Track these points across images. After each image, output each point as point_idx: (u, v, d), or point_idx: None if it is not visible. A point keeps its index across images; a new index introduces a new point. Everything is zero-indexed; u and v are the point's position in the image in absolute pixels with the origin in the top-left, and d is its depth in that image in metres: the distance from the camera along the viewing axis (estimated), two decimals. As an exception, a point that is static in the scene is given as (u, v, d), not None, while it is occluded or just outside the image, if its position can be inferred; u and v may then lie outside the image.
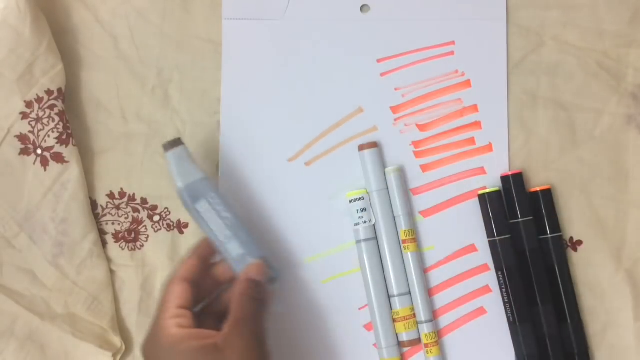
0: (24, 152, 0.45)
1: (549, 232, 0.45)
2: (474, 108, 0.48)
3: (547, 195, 0.46)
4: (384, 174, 0.46)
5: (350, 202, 0.46)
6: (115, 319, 0.46)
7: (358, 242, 0.46)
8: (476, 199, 0.47)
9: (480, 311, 0.46)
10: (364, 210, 0.46)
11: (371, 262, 0.45)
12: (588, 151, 0.47)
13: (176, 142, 0.43)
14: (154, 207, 0.47)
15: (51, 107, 0.45)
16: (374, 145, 0.46)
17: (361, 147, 0.46)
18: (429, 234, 0.47)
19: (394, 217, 0.46)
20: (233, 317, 0.39)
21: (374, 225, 0.46)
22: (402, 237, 0.45)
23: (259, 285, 0.40)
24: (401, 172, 0.47)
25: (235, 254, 0.42)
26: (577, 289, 0.46)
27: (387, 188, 0.46)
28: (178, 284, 0.41)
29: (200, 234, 0.44)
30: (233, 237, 0.42)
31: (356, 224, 0.46)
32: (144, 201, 0.47)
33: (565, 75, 0.48)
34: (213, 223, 0.42)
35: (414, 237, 0.46)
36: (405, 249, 0.45)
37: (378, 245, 0.46)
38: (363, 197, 0.46)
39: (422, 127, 0.48)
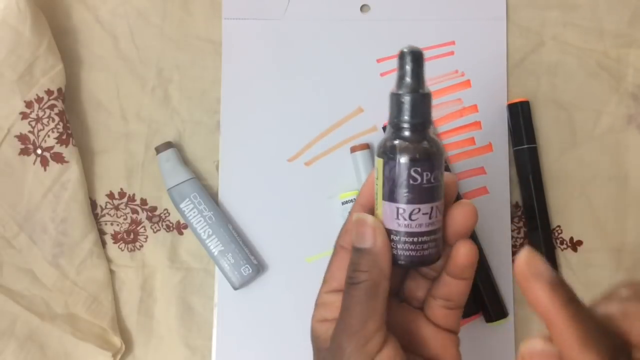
0: (24, 152, 0.45)
1: (525, 142, 0.46)
2: (474, 108, 0.48)
3: (525, 106, 0.46)
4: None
5: (343, 204, 0.46)
6: (115, 319, 0.46)
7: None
8: (477, 199, 0.47)
9: (481, 311, 0.46)
10: None
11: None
12: (588, 151, 0.47)
13: (167, 145, 0.46)
14: (154, 208, 0.47)
15: (51, 107, 0.45)
16: (366, 146, 0.46)
17: (353, 149, 0.46)
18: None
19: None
20: None
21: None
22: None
23: None
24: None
25: (216, 251, 0.45)
26: (577, 289, 0.46)
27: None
28: (341, 252, 0.31)
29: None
30: (213, 234, 0.45)
31: None
32: (143, 202, 0.47)
33: (565, 75, 0.48)
34: (195, 221, 0.45)
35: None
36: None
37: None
38: (354, 200, 0.46)
39: (422, 127, 0.48)
